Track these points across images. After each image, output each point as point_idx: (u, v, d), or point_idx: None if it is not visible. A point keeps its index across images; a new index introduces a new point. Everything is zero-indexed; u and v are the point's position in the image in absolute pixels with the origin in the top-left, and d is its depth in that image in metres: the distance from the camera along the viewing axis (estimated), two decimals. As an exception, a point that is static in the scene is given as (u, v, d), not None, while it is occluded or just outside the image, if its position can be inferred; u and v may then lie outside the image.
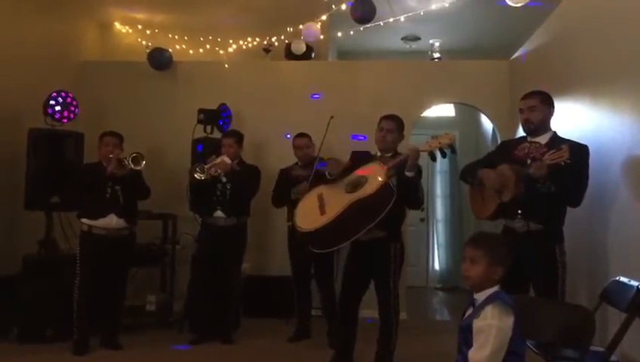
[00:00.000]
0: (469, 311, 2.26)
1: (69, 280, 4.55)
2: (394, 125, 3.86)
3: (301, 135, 5.23)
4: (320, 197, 3.60)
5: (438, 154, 3.53)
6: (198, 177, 4.68)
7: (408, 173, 3.57)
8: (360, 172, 3.64)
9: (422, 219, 8.24)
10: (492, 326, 2.10)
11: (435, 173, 8.27)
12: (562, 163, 3.08)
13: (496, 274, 2.22)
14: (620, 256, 3.43)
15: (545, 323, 2.57)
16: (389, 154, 3.82)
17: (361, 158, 3.85)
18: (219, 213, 4.85)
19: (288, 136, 5.73)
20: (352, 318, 3.89)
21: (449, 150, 3.48)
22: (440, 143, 3.46)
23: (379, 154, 3.89)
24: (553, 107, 3.51)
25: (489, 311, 2.13)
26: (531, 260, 3.31)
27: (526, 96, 3.54)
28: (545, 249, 3.33)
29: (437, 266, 8.29)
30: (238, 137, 4.98)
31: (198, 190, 4.88)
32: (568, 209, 3.41)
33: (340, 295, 3.98)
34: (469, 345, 2.15)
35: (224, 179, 4.81)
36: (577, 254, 3.69)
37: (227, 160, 4.80)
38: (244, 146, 5.11)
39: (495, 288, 2.21)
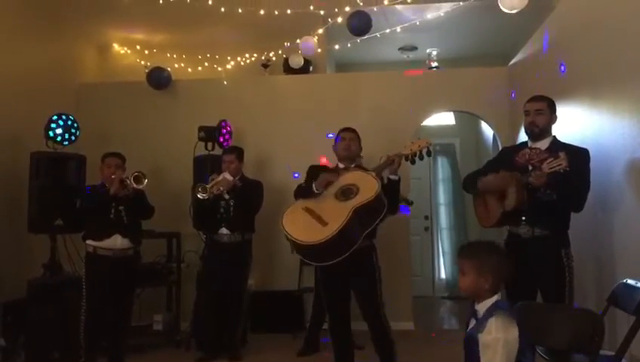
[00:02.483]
0: (472, 323, 2.24)
1: (75, 303, 4.54)
2: (355, 135, 3.97)
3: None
4: (309, 211, 3.54)
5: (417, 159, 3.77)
6: (201, 197, 4.68)
7: (393, 177, 3.69)
8: (344, 181, 3.62)
9: (426, 228, 8.23)
10: (499, 339, 2.07)
11: (437, 182, 8.27)
12: (561, 170, 3.08)
13: (487, 283, 2.18)
14: (627, 259, 3.42)
15: (553, 328, 2.56)
16: (352, 165, 3.87)
17: (321, 172, 3.85)
18: (224, 230, 4.84)
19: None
20: (347, 334, 3.81)
21: (425, 153, 3.73)
22: (419, 146, 3.69)
23: (341, 165, 3.91)
24: (556, 113, 3.52)
25: (493, 323, 2.10)
26: (538, 266, 3.31)
27: (533, 99, 3.54)
28: (551, 254, 3.32)
29: (443, 275, 8.24)
30: (239, 153, 4.99)
31: (202, 208, 4.88)
32: (573, 213, 3.40)
33: (331, 313, 3.80)
34: (475, 358, 2.13)
35: (227, 196, 4.81)
36: (584, 258, 3.68)
37: (229, 177, 4.81)
38: (245, 161, 5.11)
39: (495, 298, 2.18)
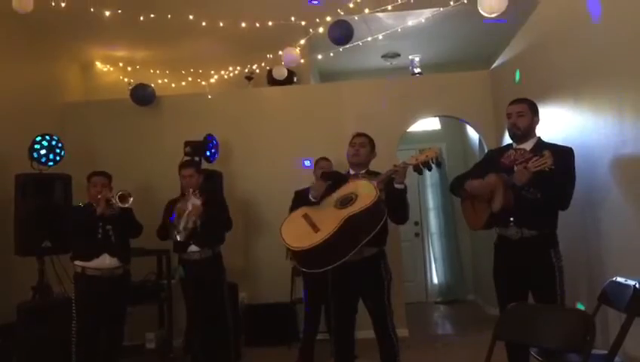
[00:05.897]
0: None
1: (66, 325, 4.49)
2: (366, 140, 3.89)
3: (324, 158, 5.21)
4: (307, 217, 3.53)
5: (425, 169, 3.57)
6: (180, 238, 4.63)
7: (398, 186, 3.59)
8: (346, 189, 3.60)
9: (416, 234, 8.24)
10: None
11: (425, 186, 8.28)
12: (546, 168, 3.10)
13: None
14: (615, 256, 3.43)
15: (546, 329, 2.56)
16: (363, 171, 3.82)
17: (333, 178, 3.84)
18: (193, 248, 4.74)
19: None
20: (350, 343, 3.81)
21: (434, 163, 3.52)
22: (427, 156, 3.51)
23: (352, 172, 3.86)
24: (538, 115, 3.56)
25: None
26: (528, 267, 3.33)
27: (514, 102, 3.59)
28: (540, 254, 3.34)
29: (435, 280, 8.25)
30: (197, 166, 4.94)
31: (164, 233, 4.82)
32: (561, 213, 3.42)
33: (335, 322, 3.82)
34: None
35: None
36: (574, 257, 3.70)
37: (197, 202, 4.67)
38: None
39: None
